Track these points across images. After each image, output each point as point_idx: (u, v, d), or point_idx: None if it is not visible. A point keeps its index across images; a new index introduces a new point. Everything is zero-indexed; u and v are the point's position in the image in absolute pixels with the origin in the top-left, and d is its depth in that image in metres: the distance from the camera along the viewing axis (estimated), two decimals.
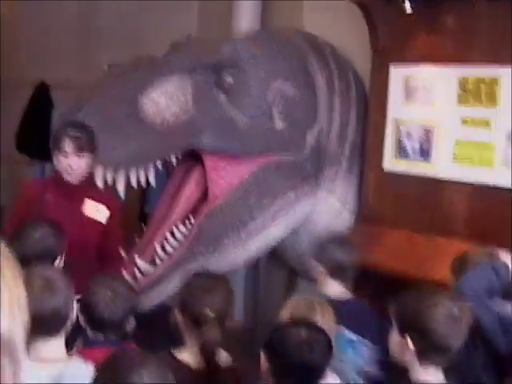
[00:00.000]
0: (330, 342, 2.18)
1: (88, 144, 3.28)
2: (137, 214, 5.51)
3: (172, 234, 3.76)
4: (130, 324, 2.56)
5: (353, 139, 4.41)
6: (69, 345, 2.32)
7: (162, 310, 3.16)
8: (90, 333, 2.48)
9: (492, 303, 2.77)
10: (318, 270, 3.19)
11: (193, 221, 3.77)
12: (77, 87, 4.55)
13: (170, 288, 3.57)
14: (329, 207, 4.35)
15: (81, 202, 3.39)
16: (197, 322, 2.40)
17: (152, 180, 3.59)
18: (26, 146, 6.71)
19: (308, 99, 4.08)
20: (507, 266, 2.82)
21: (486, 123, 3.80)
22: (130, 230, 4.09)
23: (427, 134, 4.05)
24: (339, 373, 2.55)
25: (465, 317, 2.20)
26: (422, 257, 3.84)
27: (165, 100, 3.56)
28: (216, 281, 2.57)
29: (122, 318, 2.49)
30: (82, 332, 2.52)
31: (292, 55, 4.12)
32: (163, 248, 3.74)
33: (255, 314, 5.18)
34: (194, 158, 3.82)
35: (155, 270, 3.67)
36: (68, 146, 3.27)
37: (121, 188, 3.48)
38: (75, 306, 2.29)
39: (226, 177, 3.81)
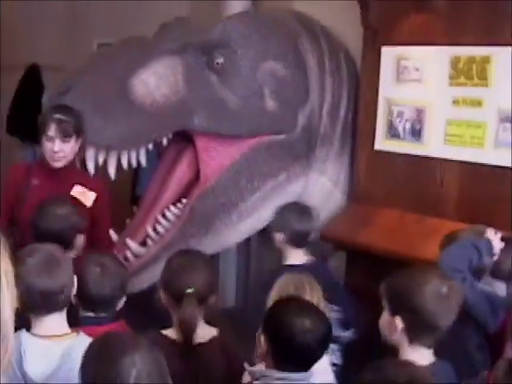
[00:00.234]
0: (330, 326, 2.18)
1: (74, 128, 3.21)
2: (128, 196, 5.49)
3: (163, 215, 3.76)
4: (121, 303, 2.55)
5: (344, 119, 4.41)
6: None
7: (151, 289, 3.16)
8: (81, 311, 2.47)
9: (481, 282, 2.78)
10: (279, 238, 3.22)
11: (184, 202, 3.77)
12: (68, 69, 4.52)
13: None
14: (320, 187, 4.35)
15: (67, 187, 3.30)
16: (178, 299, 2.41)
17: (143, 162, 3.59)
18: (17, 129, 6.66)
19: (299, 79, 4.07)
20: (490, 243, 2.83)
21: (477, 103, 3.79)
22: (122, 212, 4.08)
23: (419, 113, 4.04)
24: None
25: (454, 295, 2.20)
26: (413, 236, 3.85)
27: (155, 81, 3.54)
28: (197, 258, 2.58)
29: (111, 295, 2.47)
30: (72, 311, 2.51)
31: (283, 35, 4.10)
32: (155, 229, 3.74)
33: (247, 295, 5.20)
34: (185, 139, 3.81)
35: (147, 252, 3.68)
36: (53, 130, 3.20)
37: (112, 170, 3.47)
38: (75, 280, 2.29)
39: (217, 158, 3.80)
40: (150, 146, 3.58)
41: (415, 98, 4.07)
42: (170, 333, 2.47)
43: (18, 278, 1.33)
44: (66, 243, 2.77)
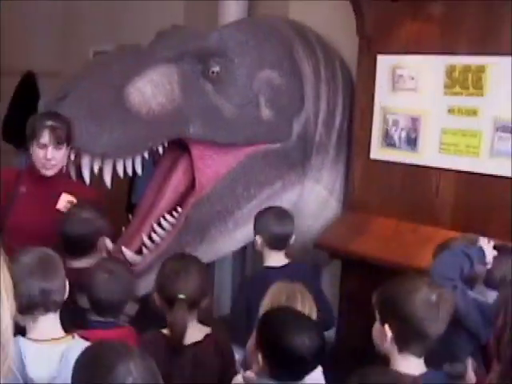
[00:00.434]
0: (324, 338, 2.19)
1: (66, 135, 3.19)
2: (124, 204, 5.49)
3: (159, 223, 3.75)
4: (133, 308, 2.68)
5: (339, 128, 4.42)
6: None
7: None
8: (90, 315, 2.56)
9: (473, 291, 2.78)
10: (258, 241, 3.30)
11: (180, 210, 3.77)
12: (64, 76, 4.52)
13: None
14: (316, 196, 4.35)
15: (55, 196, 3.27)
16: (170, 303, 2.52)
17: (139, 170, 3.58)
18: (13, 136, 6.66)
19: (294, 87, 4.07)
20: (482, 251, 2.82)
21: (473, 112, 3.80)
22: (117, 220, 4.07)
23: (414, 122, 4.05)
24: None
25: (443, 303, 2.19)
26: (409, 245, 3.85)
27: (151, 89, 3.54)
28: (190, 263, 2.67)
29: (119, 300, 2.57)
30: (80, 315, 2.58)
31: (278, 43, 4.10)
32: (150, 238, 3.73)
33: None
34: (180, 147, 3.81)
35: (142, 260, 3.66)
36: (46, 137, 3.17)
37: (108, 178, 3.46)
38: (67, 283, 2.33)
39: (213, 166, 3.80)
40: (146, 154, 3.57)
41: (410, 106, 4.07)
42: (168, 332, 2.56)
43: (13, 279, 1.34)
44: (91, 247, 2.95)
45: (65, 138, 3.19)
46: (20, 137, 6.26)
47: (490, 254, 2.85)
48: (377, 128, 4.20)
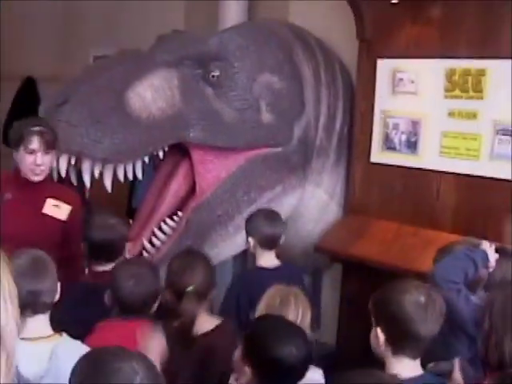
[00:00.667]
0: (311, 346, 2.21)
1: (54, 140, 3.17)
2: (124, 209, 5.49)
3: (160, 228, 3.76)
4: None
5: (340, 131, 4.42)
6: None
7: None
8: (114, 313, 2.61)
9: (475, 297, 2.77)
10: (251, 243, 3.39)
11: (180, 215, 3.77)
12: (64, 80, 4.52)
13: None
14: (316, 199, 4.35)
15: (41, 201, 3.26)
16: (179, 297, 2.63)
17: (139, 175, 3.58)
18: None
19: (295, 91, 4.07)
20: (485, 255, 2.82)
21: (473, 115, 3.81)
22: None
23: (414, 125, 4.06)
24: None
25: (433, 304, 2.19)
26: (409, 248, 3.85)
27: (151, 94, 3.54)
28: (196, 259, 2.81)
29: (144, 303, 2.59)
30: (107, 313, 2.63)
31: (278, 47, 4.10)
32: (151, 242, 3.73)
33: None
34: (181, 151, 3.81)
35: None
36: (36, 142, 3.13)
37: (108, 183, 3.46)
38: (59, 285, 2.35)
39: (214, 170, 3.80)
40: (146, 159, 3.58)
41: (411, 110, 4.08)
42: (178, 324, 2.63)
43: None
44: (117, 252, 3.01)
45: (52, 142, 3.17)
46: None
47: (493, 257, 2.84)
48: (377, 131, 4.20)
